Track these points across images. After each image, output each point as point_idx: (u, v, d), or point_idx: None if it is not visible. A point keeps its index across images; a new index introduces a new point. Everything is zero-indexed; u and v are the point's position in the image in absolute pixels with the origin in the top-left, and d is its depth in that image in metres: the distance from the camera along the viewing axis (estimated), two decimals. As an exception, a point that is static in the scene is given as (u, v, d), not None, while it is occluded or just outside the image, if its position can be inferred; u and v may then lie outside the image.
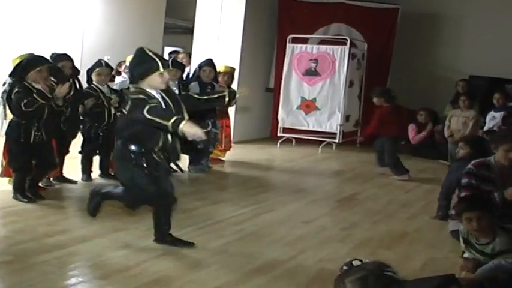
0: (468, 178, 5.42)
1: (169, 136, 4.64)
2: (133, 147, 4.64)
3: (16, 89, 5.87)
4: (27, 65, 5.96)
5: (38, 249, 4.63)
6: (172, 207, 4.99)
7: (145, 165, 4.64)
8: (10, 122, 6.05)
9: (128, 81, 7.70)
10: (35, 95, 5.87)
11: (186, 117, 4.59)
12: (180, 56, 11.89)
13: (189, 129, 4.25)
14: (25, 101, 5.80)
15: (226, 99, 5.06)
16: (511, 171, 5.38)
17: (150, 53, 4.62)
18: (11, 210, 5.72)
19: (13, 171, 6.11)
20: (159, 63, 4.56)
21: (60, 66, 6.81)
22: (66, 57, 7.04)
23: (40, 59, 6.12)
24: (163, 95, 4.68)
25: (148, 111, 4.34)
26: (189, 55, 12.17)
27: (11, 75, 6.07)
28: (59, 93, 6.12)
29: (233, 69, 9.28)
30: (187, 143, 7.99)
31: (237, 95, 5.12)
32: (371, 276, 2.06)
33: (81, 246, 4.82)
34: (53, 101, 6.11)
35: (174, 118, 4.30)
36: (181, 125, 4.24)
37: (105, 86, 7.38)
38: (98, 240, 4.99)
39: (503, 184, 5.30)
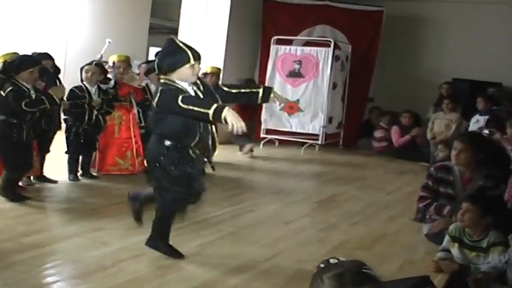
0: (427, 179, 5.79)
1: (205, 131, 4.44)
2: (168, 142, 4.44)
3: (10, 88, 5.90)
4: (20, 65, 6.00)
5: (14, 249, 4.61)
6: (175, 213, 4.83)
7: (177, 162, 4.45)
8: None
9: (112, 81, 7.77)
10: (43, 97, 6.00)
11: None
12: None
13: (232, 117, 3.95)
14: (26, 100, 5.88)
15: (260, 95, 4.78)
16: (471, 175, 5.55)
17: (181, 44, 4.37)
18: (-11, 209, 5.71)
19: (6, 170, 6.10)
20: (190, 55, 4.31)
21: None
22: (47, 56, 7.06)
23: (33, 60, 6.19)
24: (195, 88, 4.47)
25: (183, 101, 4.10)
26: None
27: (1, 72, 6.08)
28: (56, 94, 6.17)
29: (219, 69, 9.35)
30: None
31: (271, 95, 4.84)
32: (348, 272, 2.07)
33: (59, 245, 4.82)
34: (55, 102, 6.18)
35: (216, 105, 4.03)
36: (224, 112, 3.96)
37: (96, 86, 7.39)
38: (76, 239, 4.99)
39: (462, 187, 5.59)
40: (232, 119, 3.96)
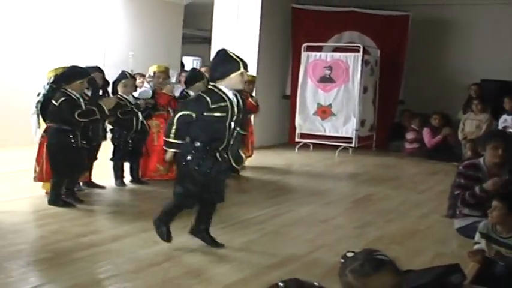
0: (458, 178, 6.02)
1: (232, 138, 4.93)
2: (198, 143, 4.87)
3: (63, 98, 6.25)
4: (71, 75, 6.36)
5: (73, 248, 5.01)
6: (215, 206, 5.30)
7: (202, 162, 4.85)
8: (51, 129, 6.41)
9: (150, 91, 8.12)
10: (95, 109, 6.34)
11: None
12: (203, 69, 12.26)
13: (169, 155, 4.96)
14: (79, 110, 6.23)
15: None
16: (498, 171, 5.77)
17: (232, 54, 4.89)
18: (46, 213, 6.13)
19: (54, 176, 6.44)
20: (240, 64, 4.82)
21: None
22: (97, 69, 7.41)
23: (84, 72, 6.53)
24: (239, 96, 4.95)
25: (179, 116, 4.83)
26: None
27: (53, 82, 6.44)
28: (106, 105, 6.53)
29: (254, 77, 9.69)
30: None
31: None
32: (365, 262, 2.40)
33: (114, 244, 5.20)
34: (105, 114, 6.52)
35: (172, 139, 4.84)
36: (168, 149, 4.91)
37: (130, 95, 7.75)
38: (129, 239, 5.37)
39: None
40: (169, 157, 4.99)
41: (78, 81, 6.34)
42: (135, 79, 8.07)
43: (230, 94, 4.87)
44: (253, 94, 9.88)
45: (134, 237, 5.42)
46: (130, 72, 8.05)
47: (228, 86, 4.86)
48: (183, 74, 9.29)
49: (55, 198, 6.40)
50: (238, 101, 4.93)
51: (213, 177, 4.95)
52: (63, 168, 6.40)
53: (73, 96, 6.32)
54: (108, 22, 12.66)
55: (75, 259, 4.73)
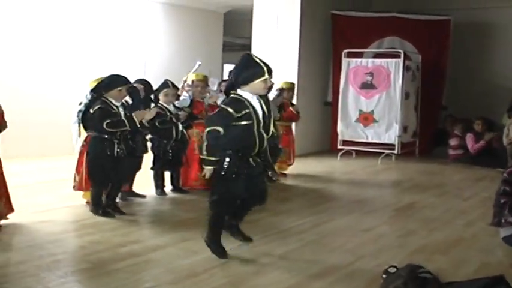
0: (503, 185, 5.78)
1: (263, 143, 4.85)
2: (230, 151, 4.80)
3: (98, 105, 6.25)
4: (110, 83, 6.36)
5: (113, 258, 4.99)
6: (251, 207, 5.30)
7: (237, 169, 4.79)
8: (90, 138, 6.44)
9: (189, 100, 8.08)
10: (125, 120, 6.29)
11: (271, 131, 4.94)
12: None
13: (206, 171, 4.86)
14: (108, 120, 6.18)
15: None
16: None
17: (257, 59, 4.77)
18: (86, 223, 6.13)
19: (92, 186, 6.47)
20: (265, 69, 4.70)
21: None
22: (140, 80, 7.47)
23: (122, 79, 6.50)
24: (262, 101, 4.85)
25: (208, 132, 4.78)
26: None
27: (92, 91, 6.46)
28: (146, 118, 6.50)
29: (293, 84, 9.65)
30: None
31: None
32: (409, 281, 2.28)
33: (153, 254, 5.15)
34: (137, 127, 6.47)
35: (209, 157, 4.80)
36: (206, 167, 4.85)
37: (171, 104, 7.72)
38: (169, 249, 5.32)
39: None
40: (206, 172, 4.85)
41: (117, 89, 6.33)
42: (177, 88, 8.03)
43: (253, 100, 4.79)
44: (294, 102, 9.81)
45: (174, 247, 5.37)
46: (185, 81, 8.04)
47: (251, 92, 4.77)
48: (223, 84, 9.24)
49: (94, 208, 6.43)
50: (262, 106, 4.85)
51: (250, 180, 4.88)
52: (99, 177, 6.40)
53: (110, 104, 6.31)
54: (149, 32, 12.73)
55: (114, 270, 4.70)
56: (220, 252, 5.07)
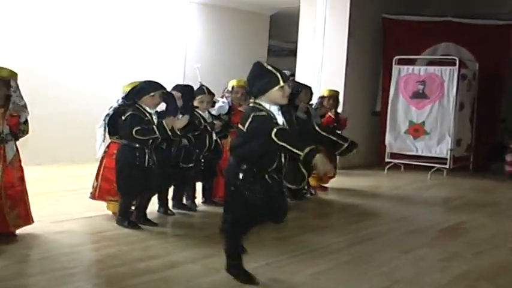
0: None
1: (283, 158, 4.60)
2: (245, 166, 4.61)
3: (130, 112, 6.21)
4: (142, 89, 6.30)
5: (128, 274, 4.90)
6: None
7: (252, 187, 4.60)
8: (120, 146, 6.41)
9: (227, 106, 8.00)
10: (155, 127, 6.18)
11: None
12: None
13: (321, 164, 4.24)
14: (138, 127, 6.11)
15: (343, 148, 4.90)
16: None
17: (269, 67, 4.59)
18: (106, 235, 6.08)
19: (121, 197, 6.43)
20: (279, 77, 4.51)
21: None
22: (176, 88, 7.33)
23: (155, 85, 6.42)
24: (282, 112, 4.64)
25: (276, 135, 4.32)
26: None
27: (125, 97, 6.42)
28: (176, 125, 6.38)
29: (337, 92, 9.45)
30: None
31: (354, 151, 4.96)
32: None
33: (172, 271, 5.05)
34: (167, 135, 6.32)
35: (309, 149, 4.24)
36: (316, 158, 4.23)
37: (206, 111, 7.64)
38: (189, 266, 5.22)
39: None
40: (321, 166, 4.25)
41: (149, 95, 6.27)
42: (213, 95, 7.93)
43: (274, 110, 4.59)
44: (339, 110, 9.66)
45: (194, 264, 5.27)
46: (201, 86, 7.92)
47: (269, 102, 4.56)
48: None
49: (121, 219, 6.39)
50: (285, 118, 4.62)
51: (266, 200, 4.66)
52: (128, 188, 6.35)
53: (143, 111, 6.25)
54: (188, 35, 12.72)
55: (127, 286, 4.62)
56: (246, 279, 4.86)
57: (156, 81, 6.55)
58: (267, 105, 4.55)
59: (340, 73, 12.00)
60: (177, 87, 7.31)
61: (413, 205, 9.09)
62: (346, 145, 4.89)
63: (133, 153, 6.25)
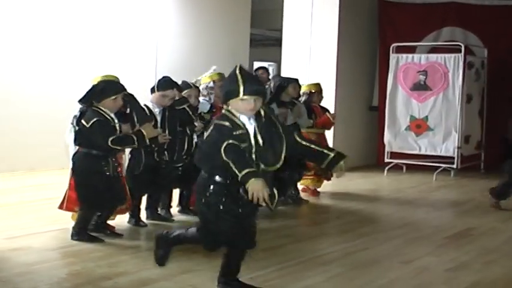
0: None
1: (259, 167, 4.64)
2: (218, 177, 4.67)
3: (96, 118, 6.14)
4: (103, 91, 6.26)
5: (93, 294, 4.90)
6: (246, 252, 5.00)
7: (224, 199, 4.67)
8: (80, 153, 6.36)
9: (208, 104, 8.00)
10: (134, 136, 6.21)
11: (279, 163, 4.67)
12: (259, 72, 12.17)
13: (254, 189, 4.35)
14: (114, 136, 6.11)
15: (328, 160, 4.92)
16: None
17: (239, 75, 4.65)
18: (68, 251, 6.04)
19: (80, 208, 6.41)
20: (241, 89, 4.57)
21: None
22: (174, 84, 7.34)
23: (116, 86, 6.41)
24: (255, 123, 4.67)
25: (225, 150, 4.43)
26: (267, 71, 12.47)
27: (82, 99, 6.38)
28: (147, 134, 6.37)
29: (318, 85, 9.49)
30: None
31: (342, 163, 4.97)
32: None
33: (142, 290, 5.06)
34: (145, 142, 6.33)
35: (247, 171, 4.37)
36: (249, 183, 4.35)
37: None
38: (162, 283, 5.20)
39: None
40: (254, 191, 4.36)
41: (110, 98, 6.24)
42: (199, 90, 7.92)
43: (244, 119, 4.65)
44: (329, 106, 9.73)
45: (168, 281, 5.25)
46: (194, 83, 7.93)
47: (238, 111, 4.65)
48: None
49: (78, 231, 6.35)
50: (260, 127, 4.67)
51: (244, 216, 4.71)
52: (91, 199, 6.34)
53: (106, 115, 6.23)
54: (161, 24, 12.69)
55: (92, 308, 4.62)
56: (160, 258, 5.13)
57: (117, 81, 6.55)
58: (236, 113, 4.61)
59: (331, 64, 12.06)
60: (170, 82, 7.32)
61: (416, 210, 9.14)
62: (332, 155, 4.91)
63: (96, 162, 6.24)
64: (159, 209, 7.61)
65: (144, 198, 7.45)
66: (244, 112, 4.63)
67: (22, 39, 10.70)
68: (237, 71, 4.66)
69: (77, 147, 6.45)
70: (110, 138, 6.10)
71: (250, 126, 4.63)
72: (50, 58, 11.02)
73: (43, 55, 10.94)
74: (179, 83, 7.59)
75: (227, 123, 4.58)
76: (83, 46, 11.40)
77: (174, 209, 7.85)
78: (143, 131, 6.28)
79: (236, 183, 4.56)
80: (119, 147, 6.27)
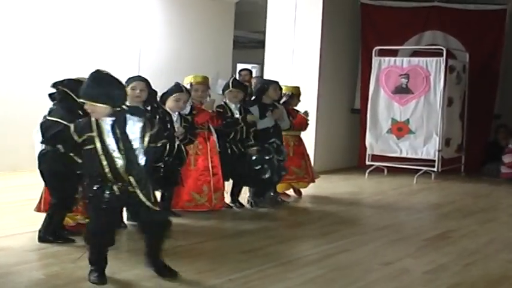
0: None
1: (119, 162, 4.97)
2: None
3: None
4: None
5: (71, 296, 4.89)
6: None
7: (91, 195, 5.06)
8: (46, 152, 6.29)
9: (188, 107, 7.98)
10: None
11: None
12: (242, 73, 12.17)
13: None
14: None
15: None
16: None
17: (113, 78, 5.08)
18: (47, 252, 6.01)
19: (53, 207, 6.35)
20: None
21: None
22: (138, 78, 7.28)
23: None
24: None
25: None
26: (251, 73, 12.48)
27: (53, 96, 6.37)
28: None
29: (296, 88, 9.53)
30: (251, 173, 8.25)
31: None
32: None
33: (119, 292, 5.06)
34: None
35: None
36: None
37: (177, 113, 7.61)
38: (143, 284, 5.20)
39: None
40: None
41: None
42: (189, 94, 7.88)
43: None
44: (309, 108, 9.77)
45: (149, 282, 5.24)
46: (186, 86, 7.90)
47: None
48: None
49: (45, 233, 6.31)
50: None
51: (109, 210, 5.10)
52: (61, 199, 6.30)
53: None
54: (144, 25, 12.66)
55: (71, 310, 4.61)
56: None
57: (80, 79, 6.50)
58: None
59: (313, 66, 12.06)
60: (139, 78, 7.25)
61: (397, 212, 9.13)
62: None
63: (61, 161, 6.14)
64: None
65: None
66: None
67: (3, 41, 10.64)
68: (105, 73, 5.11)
69: (43, 146, 6.40)
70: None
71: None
72: (31, 60, 10.96)
73: (24, 57, 10.88)
74: (166, 84, 7.65)
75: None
76: (66, 47, 11.33)
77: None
78: None
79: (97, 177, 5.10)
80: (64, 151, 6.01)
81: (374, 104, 12.23)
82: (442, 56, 11.77)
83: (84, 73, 6.77)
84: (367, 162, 12.35)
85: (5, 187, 9.37)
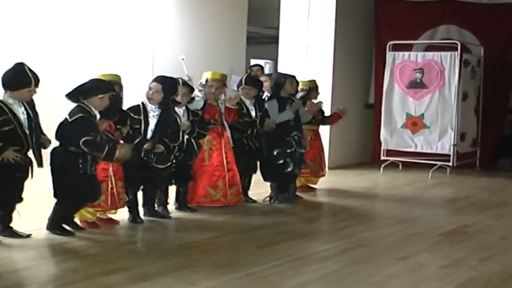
0: None
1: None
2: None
3: (80, 114, 6.16)
4: (90, 89, 6.27)
5: (90, 290, 4.92)
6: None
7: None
8: (57, 150, 6.35)
9: (202, 101, 8.02)
10: (108, 146, 6.20)
11: None
12: (254, 69, 12.16)
13: None
14: (88, 137, 6.08)
15: None
16: None
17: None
18: (65, 247, 6.07)
19: (59, 204, 6.46)
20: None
21: None
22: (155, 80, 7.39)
23: (104, 85, 6.41)
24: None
25: None
26: (262, 68, 12.47)
27: (69, 95, 6.39)
28: (119, 154, 6.32)
29: (307, 82, 9.55)
30: (272, 167, 8.29)
31: None
32: None
33: (140, 286, 5.06)
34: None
35: None
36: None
37: (184, 107, 7.65)
38: (160, 279, 5.21)
39: None
40: None
41: (98, 97, 6.27)
42: (192, 88, 7.91)
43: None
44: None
45: (166, 277, 5.27)
46: (188, 80, 7.92)
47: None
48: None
49: (51, 224, 6.43)
50: None
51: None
52: (68, 197, 6.39)
53: (90, 112, 6.24)
54: (158, 23, 12.67)
55: (90, 304, 4.65)
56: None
57: (106, 80, 6.56)
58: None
59: (327, 61, 12.07)
60: (158, 79, 7.34)
61: (412, 207, 9.12)
62: None
63: (73, 159, 6.22)
64: (156, 206, 7.64)
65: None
66: None
67: (17, 39, 10.68)
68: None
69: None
70: (83, 139, 6.07)
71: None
72: (45, 57, 10.97)
73: (39, 54, 10.91)
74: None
75: None
76: (79, 45, 11.34)
77: (171, 205, 7.86)
78: (118, 150, 6.27)
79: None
80: (87, 150, 6.16)
81: (388, 98, 12.23)
82: (457, 50, 11.76)
83: (99, 72, 6.90)
84: (382, 157, 12.36)
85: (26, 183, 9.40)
